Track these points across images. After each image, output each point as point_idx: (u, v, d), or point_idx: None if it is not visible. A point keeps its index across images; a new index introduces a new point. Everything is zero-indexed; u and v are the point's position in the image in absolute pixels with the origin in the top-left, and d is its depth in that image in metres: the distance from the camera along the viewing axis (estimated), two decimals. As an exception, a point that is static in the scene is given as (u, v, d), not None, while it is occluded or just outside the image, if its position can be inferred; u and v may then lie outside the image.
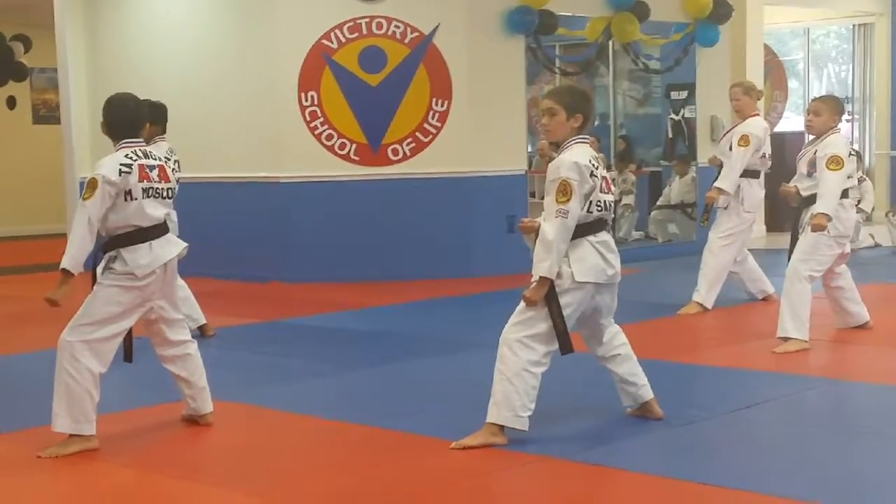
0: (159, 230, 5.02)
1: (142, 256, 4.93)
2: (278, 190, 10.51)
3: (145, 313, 5.06)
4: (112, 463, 4.81)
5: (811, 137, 7.15)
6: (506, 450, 4.78)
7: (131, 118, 5.08)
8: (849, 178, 6.93)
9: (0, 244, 15.33)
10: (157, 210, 4.99)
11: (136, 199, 4.91)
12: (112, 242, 4.96)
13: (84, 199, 4.87)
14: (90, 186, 4.87)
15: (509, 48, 10.80)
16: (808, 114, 6.99)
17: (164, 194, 5.05)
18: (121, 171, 4.88)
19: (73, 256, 4.84)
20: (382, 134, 10.42)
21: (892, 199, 15.16)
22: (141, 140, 5.09)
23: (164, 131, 7.23)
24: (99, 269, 4.98)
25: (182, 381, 5.30)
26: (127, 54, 11.49)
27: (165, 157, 5.49)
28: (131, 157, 4.94)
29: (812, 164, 6.89)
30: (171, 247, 5.08)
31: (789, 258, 7.02)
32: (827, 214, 6.69)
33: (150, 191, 4.96)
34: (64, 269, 4.84)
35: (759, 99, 8.59)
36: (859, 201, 12.25)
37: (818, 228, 6.71)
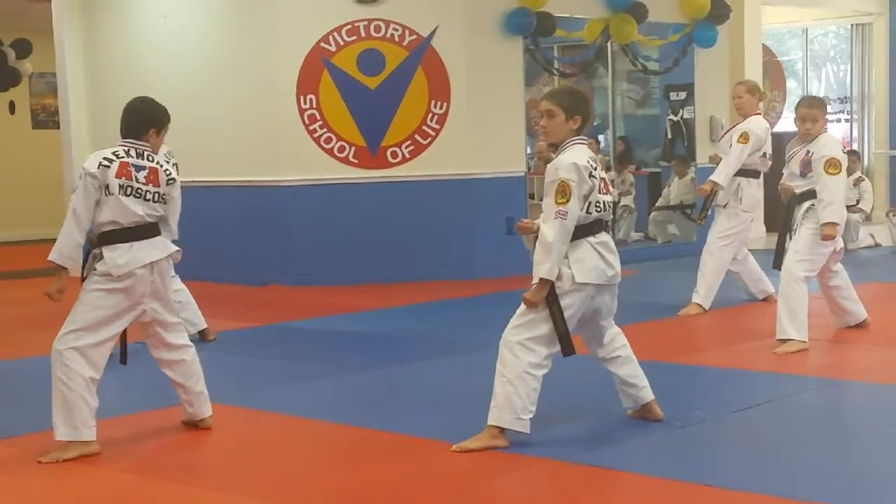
0: (144, 232, 5.02)
1: (120, 256, 4.94)
2: (277, 193, 10.50)
3: (139, 316, 5.06)
4: (112, 468, 4.81)
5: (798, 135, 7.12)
6: (507, 452, 4.77)
7: (134, 120, 5.12)
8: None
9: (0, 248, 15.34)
10: (137, 207, 4.99)
11: (112, 193, 4.94)
12: (98, 241, 4.99)
13: (72, 191, 4.97)
14: (79, 179, 4.97)
15: (508, 50, 10.80)
16: (805, 121, 6.89)
17: (148, 197, 5.03)
18: (100, 165, 4.93)
19: (59, 248, 4.91)
20: (381, 136, 10.42)
21: (891, 198, 15.16)
22: (142, 142, 5.10)
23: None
24: (85, 272, 5.01)
25: (179, 387, 5.30)
26: (125, 59, 11.49)
27: (165, 160, 5.48)
28: (117, 154, 4.99)
29: (806, 165, 6.88)
30: (156, 250, 5.06)
31: (776, 256, 7.01)
32: (836, 223, 6.69)
33: (129, 189, 4.96)
34: (50, 261, 4.89)
35: (762, 100, 8.57)
36: (858, 201, 12.33)
37: (829, 238, 6.71)
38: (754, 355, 6.78)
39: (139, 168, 5.02)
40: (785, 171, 7.12)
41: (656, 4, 11.57)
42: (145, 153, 5.08)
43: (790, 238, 6.97)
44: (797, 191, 6.95)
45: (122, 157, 4.99)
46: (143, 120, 5.14)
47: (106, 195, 4.93)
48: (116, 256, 4.94)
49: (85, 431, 4.90)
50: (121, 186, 4.95)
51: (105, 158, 4.96)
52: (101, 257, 4.96)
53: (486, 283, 9.93)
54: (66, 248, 4.91)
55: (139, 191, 5.00)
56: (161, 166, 5.12)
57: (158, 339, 5.20)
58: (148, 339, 5.24)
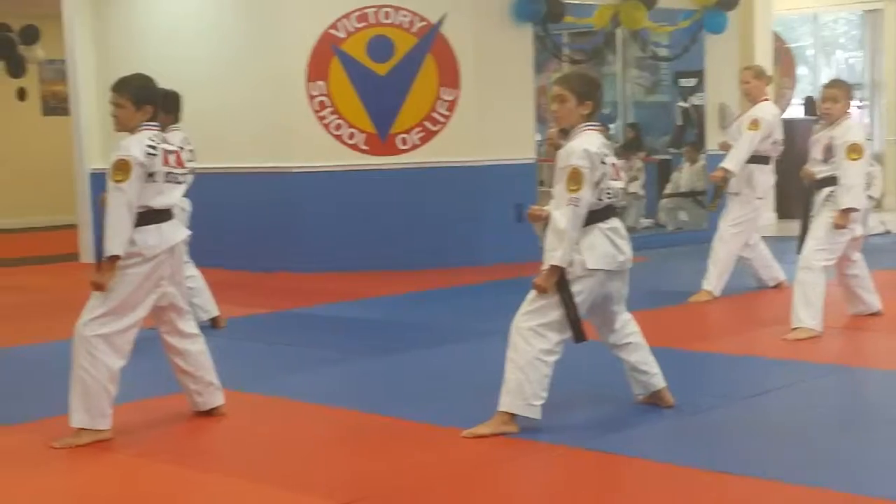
0: (167, 214, 5.05)
1: (151, 237, 4.93)
2: (287, 180, 10.51)
3: (157, 299, 5.05)
4: (124, 453, 4.82)
5: (822, 121, 7.11)
6: (517, 438, 4.78)
7: (156, 101, 5.10)
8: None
9: (10, 235, 15.37)
10: (172, 195, 5.02)
11: (156, 181, 4.93)
12: None
13: (118, 181, 4.83)
14: (122, 169, 4.83)
15: (517, 37, 10.78)
16: (825, 101, 6.89)
17: (180, 179, 5.11)
18: (147, 153, 4.89)
19: (121, 244, 4.82)
20: (391, 123, 10.42)
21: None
22: (156, 124, 5.10)
23: (178, 120, 7.17)
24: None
25: (188, 376, 5.27)
26: (135, 45, 11.48)
27: (180, 147, 5.49)
28: (154, 140, 4.96)
29: (829, 150, 6.85)
30: (178, 231, 5.12)
31: (800, 242, 6.98)
32: (854, 209, 6.67)
33: (170, 175, 5.00)
34: (112, 256, 4.81)
35: (768, 84, 8.56)
36: (868, 186, 12.27)
37: (840, 227, 6.69)
38: (765, 342, 6.77)
39: (170, 152, 5.03)
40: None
41: (666, -9, 11.55)
42: (163, 135, 5.10)
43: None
44: (818, 176, 6.92)
45: (160, 143, 4.97)
46: (156, 101, 5.14)
47: (148, 182, 4.90)
48: (147, 237, 4.92)
49: (101, 421, 4.91)
50: (166, 174, 4.96)
51: (149, 146, 4.90)
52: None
53: (495, 270, 9.94)
54: (126, 239, 4.84)
55: (175, 175, 5.04)
56: (181, 148, 5.16)
57: (172, 324, 5.18)
58: (161, 325, 5.22)
